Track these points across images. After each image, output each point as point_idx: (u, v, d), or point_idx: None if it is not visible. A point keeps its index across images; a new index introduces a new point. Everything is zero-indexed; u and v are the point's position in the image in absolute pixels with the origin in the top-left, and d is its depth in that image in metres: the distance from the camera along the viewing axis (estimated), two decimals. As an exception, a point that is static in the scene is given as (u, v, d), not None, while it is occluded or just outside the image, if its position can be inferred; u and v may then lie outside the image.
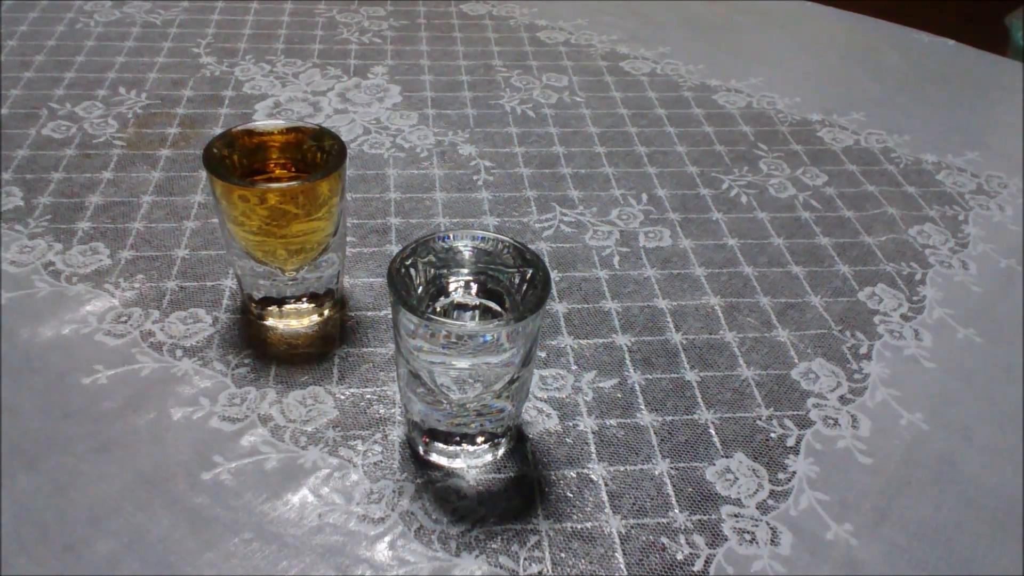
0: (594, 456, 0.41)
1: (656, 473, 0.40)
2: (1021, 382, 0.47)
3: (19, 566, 0.34)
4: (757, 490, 0.39)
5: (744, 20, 0.89)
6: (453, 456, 0.39)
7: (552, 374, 0.45)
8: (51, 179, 0.57)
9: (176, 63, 0.73)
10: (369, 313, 0.48)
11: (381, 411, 0.42)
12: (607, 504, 0.38)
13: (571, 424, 0.42)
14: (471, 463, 0.39)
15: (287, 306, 0.46)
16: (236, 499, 0.37)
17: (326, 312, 0.47)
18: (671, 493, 0.39)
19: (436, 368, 0.36)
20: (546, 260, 0.53)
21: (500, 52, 0.79)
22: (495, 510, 0.38)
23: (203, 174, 0.58)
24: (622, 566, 0.36)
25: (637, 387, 0.44)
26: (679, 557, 0.36)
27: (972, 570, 0.37)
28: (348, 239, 0.53)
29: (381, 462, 0.39)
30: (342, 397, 0.43)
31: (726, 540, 0.37)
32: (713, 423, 0.43)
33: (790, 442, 0.42)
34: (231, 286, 0.49)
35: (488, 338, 0.34)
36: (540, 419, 0.42)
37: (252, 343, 0.46)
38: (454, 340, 0.34)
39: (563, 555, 0.36)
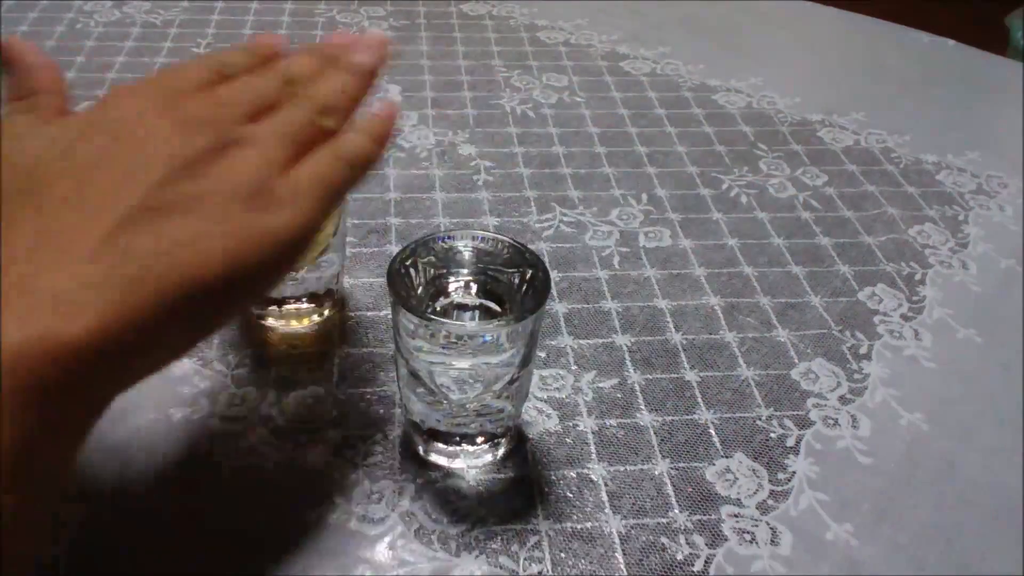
0: (594, 456, 0.41)
1: (656, 473, 0.40)
2: (1021, 382, 0.47)
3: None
4: (757, 490, 0.39)
5: (744, 20, 0.89)
6: (453, 456, 0.39)
7: (552, 374, 0.45)
8: (51, 179, 0.57)
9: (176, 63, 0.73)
10: (369, 313, 0.48)
11: (381, 411, 0.42)
12: (607, 504, 0.38)
13: (571, 424, 0.42)
14: (471, 463, 0.39)
15: (287, 306, 0.46)
16: (236, 499, 0.37)
17: (326, 312, 0.47)
18: (671, 493, 0.39)
19: (436, 368, 0.36)
20: (546, 260, 0.53)
21: (500, 52, 0.79)
22: (495, 510, 0.38)
23: (203, 174, 0.58)
24: (622, 566, 0.36)
25: (637, 387, 0.44)
26: (679, 557, 0.36)
27: (972, 570, 0.37)
28: (348, 239, 0.53)
29: (381, 462, 0.39)
30: (342, 397, 0.43)
31: (726, 540, 0.37)
32: (713, 423, 0.43)
33: (790, 442, 0.42)
34: (231, 286, 0.49)
35: (488, 338, 0.34)
36: (540, 419, 0.42)
37: (252, 343, 0.46)
38: (454, 340, 0.34)
39: (563, 555, 0.36)
